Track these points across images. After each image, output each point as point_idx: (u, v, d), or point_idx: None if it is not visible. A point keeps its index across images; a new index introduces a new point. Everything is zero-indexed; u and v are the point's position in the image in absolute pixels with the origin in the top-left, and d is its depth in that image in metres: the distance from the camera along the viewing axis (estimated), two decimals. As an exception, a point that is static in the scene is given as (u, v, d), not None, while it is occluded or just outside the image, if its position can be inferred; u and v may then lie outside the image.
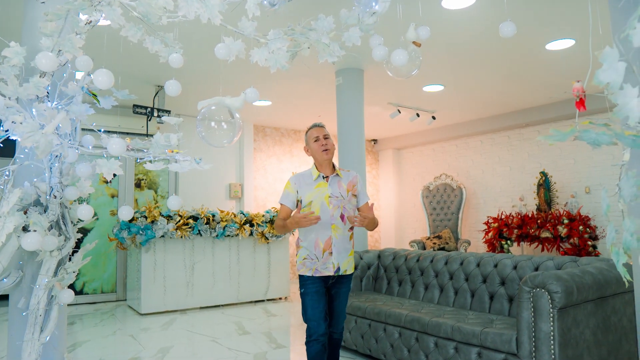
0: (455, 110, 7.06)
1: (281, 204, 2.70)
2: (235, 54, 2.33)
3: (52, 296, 2.35)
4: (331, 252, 2.58)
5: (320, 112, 7.02)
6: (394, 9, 3.37)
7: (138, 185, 6.79)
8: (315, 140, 2.67)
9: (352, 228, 2.68)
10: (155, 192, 6.96)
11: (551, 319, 2.31)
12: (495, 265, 3.49)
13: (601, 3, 3.67)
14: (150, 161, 2.42)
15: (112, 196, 6.60)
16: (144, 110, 5.20)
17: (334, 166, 2.72)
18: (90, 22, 2.36)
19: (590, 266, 2.72)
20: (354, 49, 4.27)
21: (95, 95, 2.40)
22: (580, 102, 1.40)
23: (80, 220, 2.45)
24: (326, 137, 2.67)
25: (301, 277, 2.65)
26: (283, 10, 2.39)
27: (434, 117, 7.07)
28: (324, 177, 2.66)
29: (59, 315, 2.41)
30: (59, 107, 2.46)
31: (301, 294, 2.64)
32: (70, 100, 2.42)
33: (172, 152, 2.57)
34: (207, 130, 2.00)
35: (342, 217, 2.61)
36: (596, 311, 2.52)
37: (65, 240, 2.44)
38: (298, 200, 2.65)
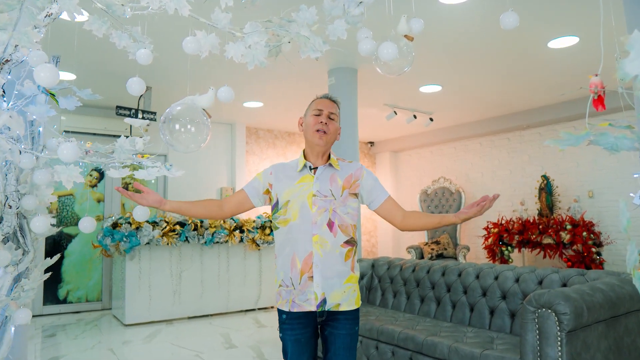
0: (454, 111, 6.83)
1: (241, 189, 2.02)
2: (207, 49, 2.11)
3: (6, 317, 2.10)
4: (312, 277, 1.81)
5: (314, 114, 6.79)
6: (385, 3, 3.16)
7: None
8: (316, 115, 1.95)
9: (350, 241, 1.88)
10: (144, 196, 6.72)
11: (559, 343, 2.08)
12: (496, 278, 3.26)
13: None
14: (114, 168, 2.19)
15: (98, 201, 6.36)
16: (127, 112, 4.97)
17: (329, 157, 1.98)
18: (51, 14, 2.12)
19: (600, 282, 2.49)
20: (340, 44, 4.02)
21: (54, 95, 2.16)
22: (599, 100, 1.17)
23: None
24: (331, 118, 1.95)
25: (279, 312, 1.92)
26: (263, 1, 2.16)
27: (431, 119, 6.85)
28: (311, 169, 1.92)
29: (16, 337, 2.17)
30: (15, 107, 2.21)
31: (280, 338, 1.92)
32: (28, 100, 2.18)
33: (142, 157, 2.34)
34: (171, 134, 1.77)
35: (330, 225, 1.83)
36: (608, 332, 2.29)
37: (23, 254, 2.20)
38: (269, 198, 1.96)
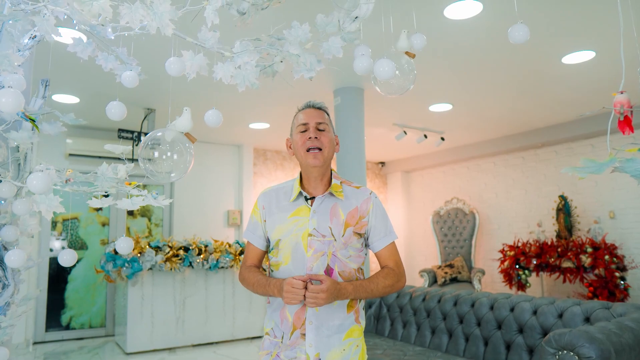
0: (465, 130, 6.64)
1: (247, 241, 1.69)
2: (195, 70, 1.98)
3: (-19, 357, 1.95)
4: (304, 334, 1.51)
5: (321, 134, 6.66)
6: (382, 19, 3.02)
7: (131, 212, 6.46)
8: (302, 131, 1.62)
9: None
10: (149, 219, 6.62)
11: (583, 391, 1.85)
12: (512, 309, 3.03)
13: (626, 10, 3.27)
14: (106, 195, 2.06)
15: (103, 224, 6.27)
16: (130, 135, 4.89)
17: (330, 179, 1.63)
18: (35, 36, 2.02)
19: (628, 318, 2.26)
20: (344, 62, 3.87)
21: (34, 121, 2.05)
22: (626, 122, 0.99)
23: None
24: (320, 129, 1.61)
25: None
26: (255, 19, 2.04)
27: (442, 138, 6.66)
28: (307, 199, 1.59)
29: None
30: (-5, 134, 2.10)
31: None
32: (8, 125, 2.07)
33: (129, 184, 2.20)
34: (149, 162, 1.63)
35: (328, 271, 1.53)
36: (638, 377, 2.05)
37: (2, 288, 2.07)
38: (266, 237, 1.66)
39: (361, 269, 1.65)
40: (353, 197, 1.62)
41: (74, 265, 6.06)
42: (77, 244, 6.05)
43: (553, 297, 3.18)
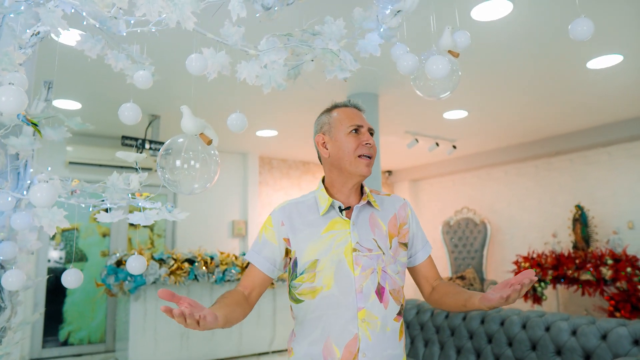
0: (478, 138, 6.46)
1: (249, 263, 1.40)
2: (216, 70, 1.79)
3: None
4: None
5: (330, 142, 6.47)
6: (409, 22, 2.85)
7: (130, 222, 6.24)
8: (353, 131, 1.38)
9: (401, 311, 1.36)
10: (152, 230, 6.40)
11: None
12: (547, 329, 2.82)
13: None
14: (106, 210, 1.86)
15: (104, 235, 6.05)
16: (134, 142, 4.70)
17: (362, 188, 1.45)
18: (38, 33, 1.83)
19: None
20: (372, 62, 3.67)
21: (36, 125, 1.85)
22: None
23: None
24: (371, 133, 1.41)
25: None
26: (281, 14, 1.85)
27: (454, 147, 6.48)
28: (341, 210, 1.37)
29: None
30: (-7, 139, 1.91)
31: None
32: (7, 130, 1.87)
33: (140, 196, 2.00)
34: (171, 172, 1.43)
35: (380, 291, 1.30)
36: None
37: (-1, 311, 1.87)
38: (288, 258, 1.40)
39: (403, 287, 1.44)
40: (388, 205, 1.45)
41: (74, 278, 5.83)
42: (77, 256, 5.83)
43: (593, 316, 2.98)
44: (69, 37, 3.21)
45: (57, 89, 4.23)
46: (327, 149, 1.43)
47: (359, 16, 1.69)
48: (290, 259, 1.39)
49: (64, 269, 5.73)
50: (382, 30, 1.71)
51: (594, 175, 6.22)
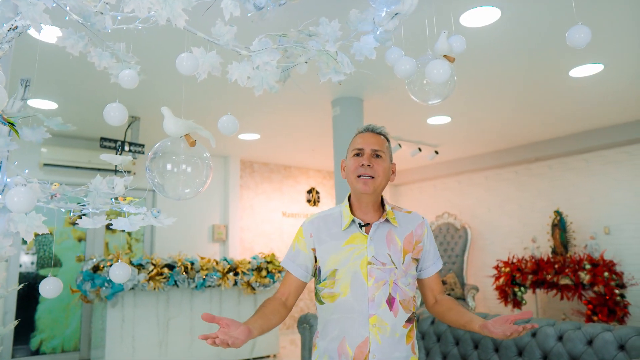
0: (460, 144, 6.51)
1: (286, 271, 1.61)
2: (207, 70, 1.73)
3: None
4: None
5: (314, 146, 6.43)
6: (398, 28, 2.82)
7: (109, 227, 6.06)
8: (355, 155, 1.57)
9: (411, 318, 1.52)
10: (130, 235, 6.23)
11: None
12: (534, 335, 2.83)
13: (632, 22, 3.17)
14: (85, 215, 1.77)
15: (79, 239, 5.86)
16: (112, 144, 4.56)
17: (382, 205, 1.60)
18: (16, 27, 1.73)
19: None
20: (357, 66, 3.61)
21: (13, 125, 1.75)
22: None
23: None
24: (378, 155, 1.55)
25: None
26: (274, 15, 1.80)
27: (436, 152, 6.52)
28: (361, 226, 1.53)
29: None
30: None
31: None
32: (-18, 130, 1.77)
33: (124, 200, 1.91)
34: (161, 176, 1.36)
35: (390, 301, 1.46)
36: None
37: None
38: (315, 266, 1.57)
39: (415, 297, 1.58)
40: (407, 222, 1.60)
41: (47, 284, 5.62)
42: (50, 261, 5.62)
43: (579, 322, 3.00)
44: (48, 33, 3.09)
45: (32, 88, 4.08)
46: (344, 171, 1.64)
47: (354, 18, 1.66)
48: (316, 268, 1.58)
49: (36, 275, 5.52)
50: (378, 32, 1.68)
51: (572, 181, 6.34)
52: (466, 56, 3.68)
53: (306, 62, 1.75)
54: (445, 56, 1.76)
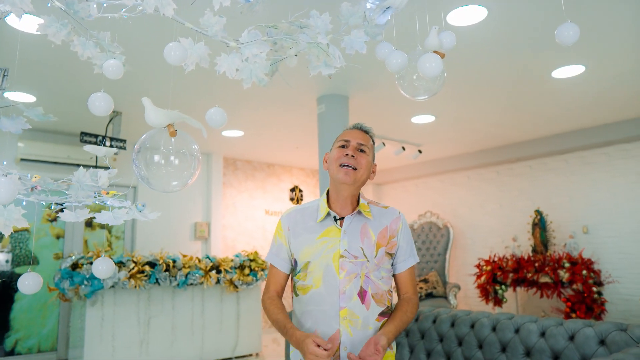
0: (443, 143, 6.57)
1: (270, 264, 1.64)
2: (194, 62, 1.69)
3: None
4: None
5: (299, 143, 6.41)
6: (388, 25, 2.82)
7: (89, 224, 5.94)
8: (340, 146, 1.61)
9: (386, 312, 1.54)
10: (109, 232, 6.12)
11: None
12: (517, 331, 2.86)
13: (615, 25, 3.24)
14: (63, 208, 1.72)
15: (58, 237, 5.72)
16: (93, 139, 4.46)
17: (358, 200, 1.63)
18: (-5, 13, 1.67)
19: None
20: (357, 63, 3.62)
21: (-10, 115, 1.69)
22: None
23: None
24: (362, 150, 1.59)
25: None
26: (263, 8, 1.78)
27: (420, 151, 6.56)
28: (336, 219, 1.56)
29: None
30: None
31: None
32: (-42, 121, 1.71)
33: (107, 194, 1.86)
34: (148, 168, 1.33)
35: (362, 294, 1.48)
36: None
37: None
38: (292, 258, 1.61)
39: (391, 291, 1.60)
40: (382, 216, 1.61)
41: (23, 282, 5.47)
42: (27, 259, 5.48)
43: (560, 318, 3.04)
44: (28, 23, 3.00)
45: (10, 79, 3.96)
46: (326, 163, 1.66)
47: (346, 11, 1.64)
48: (294, 258, 1.61)
49: (12, 273, 5.37)
50: (368, 27, 1.67)
51: (552, 181, 6.45)
52: (451, 55, 3.70)
53: (296, 55, 1.73)
54: (435, 52, 1.76)
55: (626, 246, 5.65)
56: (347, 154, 1.55)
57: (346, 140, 1.60)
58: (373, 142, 1.67)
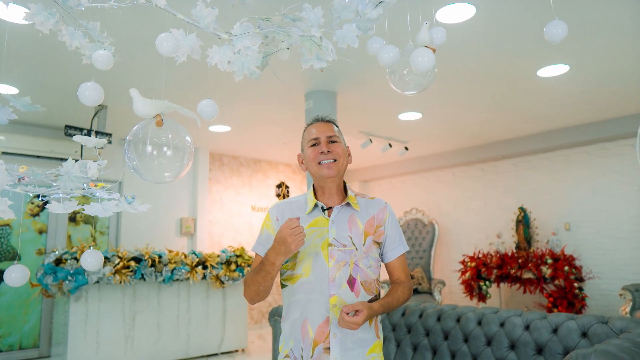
0: (429, 141, 6.62)
1: (255, 254, 1.65)
2: (186, 53, 1.68)
3: None
4: (328, 348, 1.47)
5: (286, 139, 6.40)
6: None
7: (73, 219, 5.85)
8: (312, 145, 1.63)
9: (374, 300, 1.55)
10: (94, 227, 6.04)
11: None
12: (502, 325, 2.91)
13: (599, 26, 3.30)
14: (47, 201, 1.69)
15: (40, 232, 5.63)
16: (78, 133, 4.40)
17: (345, 190, 1.67)
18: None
19: (635, 334, 2.18)
20: (348, 56, 3.62)
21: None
22: None
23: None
24: (333, 140, 1.62)
25: None
26: (256, 1, 1.77)
27: (406, 148, 6.61)
28: (324, 210, 1.59)
29: None
30: None
31: None
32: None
33: (95, 186, 1.84)
34: (140, 159, 1.33)
35: (351, 282, 1.50)
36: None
37: None
38: None
39: (378, 280, 1.63)
40: (369, 207, 1.66)
41: (4, 278, 5.38)
42: (9, 254, 5.38)
43: (544, 312, 3.09)
44: (13, 13, 2.94)
45: (-7, 71, 3.88)
46: (303, 164, 1.69)
47: (338, 5, 1.65)
48: None
49: (-7, 269, 5.27)
50: (360, 21, 1.67)
51: (535, 179, 6.55)
52: (439, 53, 3.73)
53: (288, 49, 1.73)
54: (426, 47, 1.77)
55: (606, 243, 5.77)
56: (322, 152, 1.58)
57: (315, 138, 1.62)
58: (337, 127, 1.70)
